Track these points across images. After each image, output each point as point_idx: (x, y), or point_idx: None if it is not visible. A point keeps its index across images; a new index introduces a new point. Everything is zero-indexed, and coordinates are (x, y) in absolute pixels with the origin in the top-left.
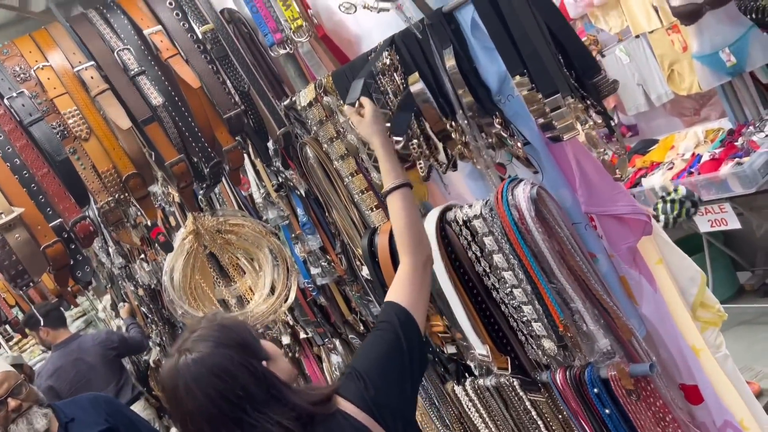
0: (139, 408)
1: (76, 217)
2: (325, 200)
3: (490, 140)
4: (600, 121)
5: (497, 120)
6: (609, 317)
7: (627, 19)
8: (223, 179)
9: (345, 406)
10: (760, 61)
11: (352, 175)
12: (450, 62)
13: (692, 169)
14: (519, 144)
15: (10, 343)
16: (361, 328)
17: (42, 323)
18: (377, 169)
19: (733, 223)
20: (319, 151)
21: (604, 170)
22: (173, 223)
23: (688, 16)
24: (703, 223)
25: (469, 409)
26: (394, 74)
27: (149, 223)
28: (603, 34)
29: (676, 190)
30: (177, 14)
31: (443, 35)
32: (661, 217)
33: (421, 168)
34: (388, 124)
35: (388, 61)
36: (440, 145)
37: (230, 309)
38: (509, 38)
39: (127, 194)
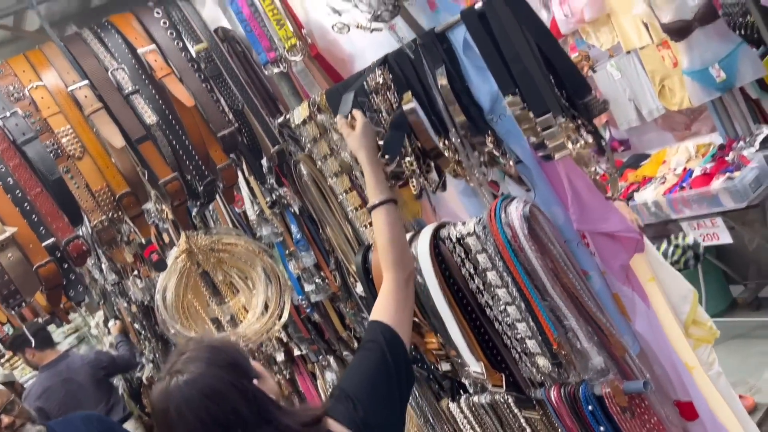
0: (131, 427)
1: (69, 236)
2: (319, 217)
3: (482, 158)
4: (591, 140)
5: (490, 138)
6: (602, 334)
7: (618, 35)
8: (217, 197)
9: (335, 427)
10: (750, 77)
11: (346, 192)
12: (442, 81)
13: (684, 184)
14: (511, 162)
15: (2, 360)
16: (355, 344)
17: (33, 344)
18: None
19: (725, 238)
20: (313, 169)
21: (596, 188)
22: (167, 240)
23: (678, 32)
24: (695, 238)
25: (464, 426)
26: (387, 93)
27: (143, 241)
28: (594, 50)
29: (684, 237)
30: (171, 33)
31: (435, 55)
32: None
33: (413, 186)
34: (381, 142)
35: (381, 80)
36: (432, 164)
37: (223, 328)
38: (500, 58)
39: (120, 213)
